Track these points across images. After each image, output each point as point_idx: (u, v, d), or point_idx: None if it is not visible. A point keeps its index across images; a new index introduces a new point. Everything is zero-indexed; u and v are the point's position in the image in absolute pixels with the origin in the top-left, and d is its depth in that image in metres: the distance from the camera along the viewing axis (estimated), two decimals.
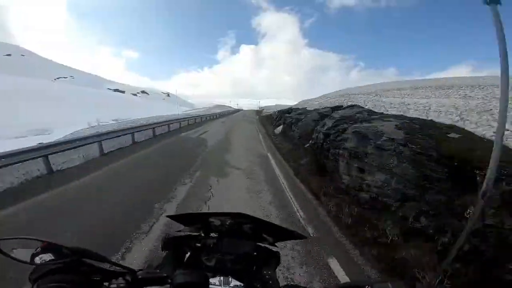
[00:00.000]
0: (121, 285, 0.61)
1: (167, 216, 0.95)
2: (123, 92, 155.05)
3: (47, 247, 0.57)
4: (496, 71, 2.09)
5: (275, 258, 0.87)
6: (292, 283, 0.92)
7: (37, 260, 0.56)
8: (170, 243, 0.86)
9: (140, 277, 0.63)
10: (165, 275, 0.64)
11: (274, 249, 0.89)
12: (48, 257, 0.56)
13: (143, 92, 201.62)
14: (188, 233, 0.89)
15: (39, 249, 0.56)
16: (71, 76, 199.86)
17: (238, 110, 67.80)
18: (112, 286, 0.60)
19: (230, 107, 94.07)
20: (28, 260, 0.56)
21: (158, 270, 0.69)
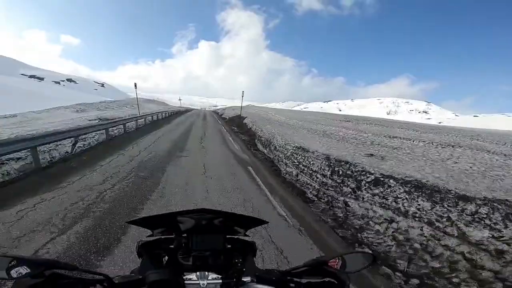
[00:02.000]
0: None
1: (127, 222, 0.89)
2: (41, 79, 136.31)
3: (19, 261, 0.58)
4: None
5: (251, 247, 0.92)
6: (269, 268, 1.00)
7: (14, 274, 0.56)
8: (145, 249, 0.86)
9: (116, 282, 0.66)
10: (140, 277, 0.68)
11: (248, 239, 0.93)
12: (24, 269, 0.57)
13: (69, 80, 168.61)
14: (160, 236, 0.90)
15: (13, 263, 0.57)
16: None
17: (186, 111, 47.47)
18: None
19: (179, 106, 66.76)
20: (6, 276, 0.57)
21: (133, 274, 0.73)
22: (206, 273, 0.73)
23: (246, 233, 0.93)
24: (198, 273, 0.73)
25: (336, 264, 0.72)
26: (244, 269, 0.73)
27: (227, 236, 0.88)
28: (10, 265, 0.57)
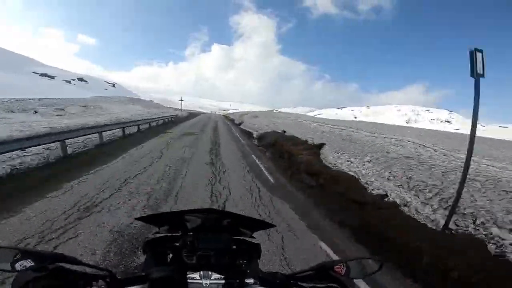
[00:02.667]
0: (101, 286, 0.64)
1: (135, 218, 0.94)
2: (52, 77, 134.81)
3: (24, 254, 0.58)
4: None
5: (256, 249, 0.91)
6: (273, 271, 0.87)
7: (18, 267, 0.57)
8: (150, 246, 0.88)
9: (119, 277, 0.67)
10: (143, 274, 0.69)
11: (254, 241, 0.94)
12: (28, 263, 0.57)
13: (80, 79, 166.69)
14: (166, 233, 0.91)
15: (18, 256, 0.58)
16: None
17: (187, 118, 36.41)
18: None
19: (179, 109, 54.16)
20: (9, 268, 0.57)
21: (136, 271, 0.75)
22: (210, 272, 0.73)
23: (252, 235, 0.94)
24: (201, 272, 0.73)
25: (341, 270, 0.71)
26: (248, 271, 0.78)
27: (233, 237, 0.88)
28: (15, 258, 0.58)
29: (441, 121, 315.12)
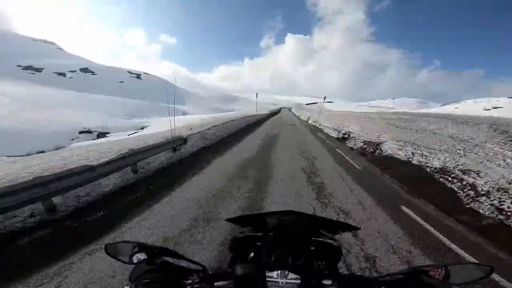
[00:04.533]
0: (196, 280, 0.73)
1: (226, 220, 1.03)
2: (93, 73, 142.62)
3: (140, 248, 0.72)
4: None
5: (336, 252, 0.91)
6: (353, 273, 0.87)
7: (134, 259, 0.71)
8: (235, 244, 0.95)
9: (210, 273, 0.76)
10: (230, 270, 0.76)
11: (335, 243, 0.93)
12: (142, 256, 0.71)
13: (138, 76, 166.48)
14: (249, 233, 0.97)
15: (135, 249, 0.71)
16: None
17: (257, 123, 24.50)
18: (188, 282, 0.72)
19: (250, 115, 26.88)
20: (127, 260, 0.71)
21: (224, 267, 0.83)
22: (286, 272, 0.76)
23: (333, 237, 0.95)
24: (279, 271, 0.76)
25: (438, 274, 0.66)
26: (326, 272, 0.79)
27: (312, 239, 0.90)
28: (133, 251, 0.72)
29: None
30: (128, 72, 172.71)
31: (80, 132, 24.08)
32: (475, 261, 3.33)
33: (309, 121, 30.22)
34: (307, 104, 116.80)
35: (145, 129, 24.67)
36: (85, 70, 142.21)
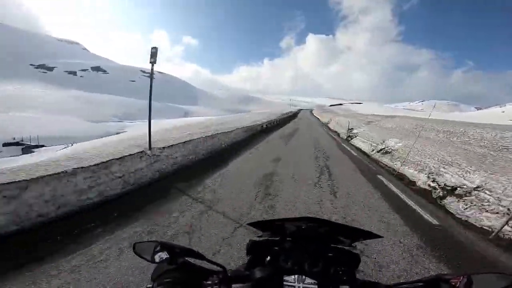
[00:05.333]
0: (215, 281, 0.73)
1: (248, 224, 1.06)
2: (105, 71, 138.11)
3: (163, 247, 0.73)
4: None
5: (354, 259, 0.91)
6: (371, 279, 0.89)
7: (157, 258, 0.72)
8: (253, 248, 0.95)
9: (229, 275, 0.77)
10: (248, 273, 0.78)
11: (354, 250, 0.93)
12: (164, 255, 0.72)
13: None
14: (267, 238, 0.98)
15: (158, 248, 0.73)
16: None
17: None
18: (207, 283, 0.73)
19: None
20: (150, 259, 0.72)
21: (242, 270, 0.84)
22: (303, 277, 0.77)
23: (352, 244, 0.96)
24: (296, 276, 0.77)
25: (460, 283, 0.65)
26: (344, 278, 0.78)
27: (331, 245, 0.92)
28: (155, 250, 0.72)
29: None
30: (141, 71, 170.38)
31: (5, 145, 16.55)
32: None
33: (340, 134, 17.08)
34: (330, 106, 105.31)
35: (115, 136, 17.26)
36: (96, 69, 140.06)
